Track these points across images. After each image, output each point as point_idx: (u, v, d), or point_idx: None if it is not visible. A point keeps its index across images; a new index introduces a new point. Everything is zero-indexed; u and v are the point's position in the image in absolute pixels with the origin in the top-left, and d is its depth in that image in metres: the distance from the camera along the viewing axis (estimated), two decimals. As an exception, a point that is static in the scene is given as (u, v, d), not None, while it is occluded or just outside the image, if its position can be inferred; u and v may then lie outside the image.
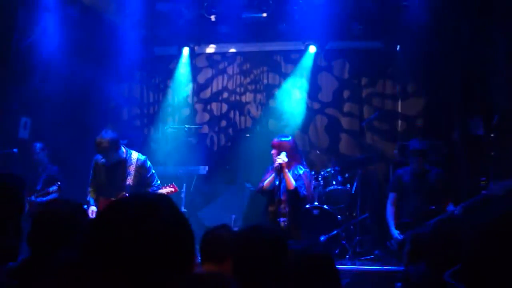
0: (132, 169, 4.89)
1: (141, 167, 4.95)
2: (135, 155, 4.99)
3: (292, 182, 4.59)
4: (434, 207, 5.00)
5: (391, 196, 5.33)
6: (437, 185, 5.12)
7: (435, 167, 5.34)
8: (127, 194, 4.81)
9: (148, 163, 5.04)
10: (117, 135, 4.87)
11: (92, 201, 4.95)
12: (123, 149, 4.94)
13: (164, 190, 4.94)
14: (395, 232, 5.03)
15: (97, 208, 4.91)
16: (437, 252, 1.86)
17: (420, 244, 2.24)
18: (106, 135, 4.76)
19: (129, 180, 4.88)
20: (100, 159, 4.99)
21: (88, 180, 5.14)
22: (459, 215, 4.54)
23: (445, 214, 4.73)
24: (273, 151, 4.71)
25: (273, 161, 4.69)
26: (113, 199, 4.80)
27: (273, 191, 4.67)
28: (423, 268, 1.92)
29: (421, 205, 5.05)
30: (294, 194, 4.62)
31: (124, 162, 4.92)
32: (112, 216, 0.99)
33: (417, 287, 1.91)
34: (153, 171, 5.06)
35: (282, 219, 4.49)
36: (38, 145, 6.30)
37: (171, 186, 5.01)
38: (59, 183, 5.72)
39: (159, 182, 5.09)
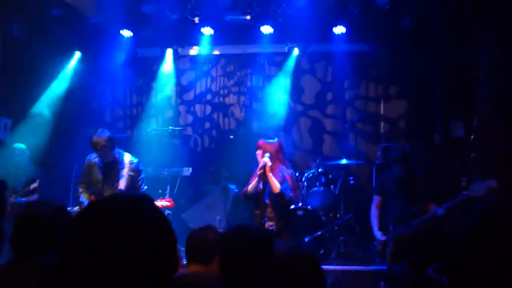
0: (124, 172, 4.90)
1: (133, 170, 4.97)
2: (127, 157, 5.01)
3: (276, 185, 4.53)
4: (416, 209, 5.02)
5: (375, 199, 5.37)
6: (419, 187, 5.17)
7: (416, 169, 5.40)
8: None
9: (141, 166, 5.06)
10: (113, 135, 4.89)
11: (86, 202, 4.91)
12: (116, 149, 4.95)
13: (159, 203, 4.86)
14: (378, 234, 5.07)
15: None
16: (419, 251, 1.88)
17: (402, 243, 2.26)
18: (103, 134, 4.78)
19: (121, 184, 4.88)
20: (93, 158, 4.99)
21: (78, 179, 5.15)
22: (442, 215, 4.60)
23: (428, 215, 4.79)
24: (258, 152, 4.68)
25: (258, 162, 4.67)
26: None
27: (258, 194, 4.64)
28: (406, 267, 1.93)
29: (404, 208, 5.08)
30: (279, 197, 4.57)
31: (117, 164, 4.93)
32: (91, 217, 0.96)
33: (400, 285, 1.92)
34: (143, 176, 5.06)
35: (268, 223, 4.46)
36: (20, 147, 6.21)
37: (168, 200, 4.94)
38: (38, 180, 5.67)
39: (146, 187, 5.08)
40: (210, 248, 2.47)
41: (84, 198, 4.96)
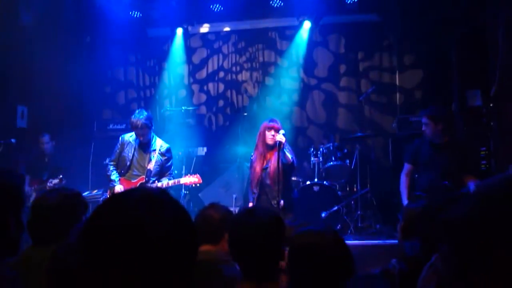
0: (154, 154, 5.03)
1: (164, 155, 5.10)
2: (159, 141, 5.14)
3: (289, 155, 4.64)
4: (448, 182, 4.63)
5: (406, 167, 4.99)
6: (457, 158, 4.72)
7: (459, 139, 4.95)
8: (146, 179, 4.99)
9: (171, 152, 5.19)
10: (151, 114, 5.05)
11: (117, 180, 5.02)
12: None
13: (187, 180, 5.02)
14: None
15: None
16: (429, 227, 1.82)
17: (412, 218, 2.20)
18: (141, 113, 4.95)
19: (150, 165, 5.02)
20: (128, 137, 5.13)
21: (111, 156, 5.22)
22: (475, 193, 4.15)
23: (461, 191, 4.30)
24: (268, 132, 4.73)
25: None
26: (133, 181, 5.02)
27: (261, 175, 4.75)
28: (418, 244, 1.90)
29: (436, 179, 4.70)
30: (290, 168, 4.69)
31: (149, 146, 5.07)
32: (110, 214, 0.95)
33: (413, 262, 1.88)
34: (172, 161, 5.19)
35: (280, 200, 4.48)
36: (47, 136, 6.31)
37: (196, 176, 5.06)
38: (61, 176, 5.76)
39: (175, 171, 5.28)
40: (216, 228, 2.47)
41: (115, 177, 5.04)
